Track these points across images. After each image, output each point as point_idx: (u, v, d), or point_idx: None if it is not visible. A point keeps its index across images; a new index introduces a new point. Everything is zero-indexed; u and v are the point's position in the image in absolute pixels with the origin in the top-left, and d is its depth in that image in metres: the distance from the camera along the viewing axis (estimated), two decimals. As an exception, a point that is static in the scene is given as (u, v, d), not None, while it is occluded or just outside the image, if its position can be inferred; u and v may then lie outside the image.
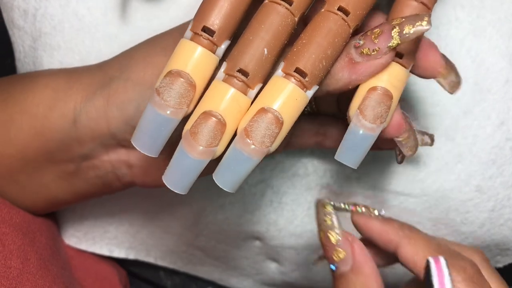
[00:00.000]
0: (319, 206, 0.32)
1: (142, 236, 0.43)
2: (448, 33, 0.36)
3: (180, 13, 0.36)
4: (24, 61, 0.38)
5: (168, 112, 0.26)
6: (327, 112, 0.36)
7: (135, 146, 0.26)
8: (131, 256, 0.44)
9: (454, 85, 0.30)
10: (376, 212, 0.33)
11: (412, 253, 0.29)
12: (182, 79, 0.26)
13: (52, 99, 0.32)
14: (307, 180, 0.40)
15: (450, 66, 0.30)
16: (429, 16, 0.26)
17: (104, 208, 0.42)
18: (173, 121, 0.26)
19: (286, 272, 0.44)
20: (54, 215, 0.43)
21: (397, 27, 0.26)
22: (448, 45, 0.36)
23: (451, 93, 0.31)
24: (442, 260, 0.28)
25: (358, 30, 0.27)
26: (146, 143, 0.26)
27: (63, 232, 0.43)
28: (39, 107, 0.32)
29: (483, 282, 0.28)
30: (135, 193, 0.41)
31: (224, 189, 0.26)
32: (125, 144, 0.31)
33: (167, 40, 0.30)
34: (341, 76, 0.27)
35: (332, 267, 0.30)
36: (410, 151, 0.30)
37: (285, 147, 0.36)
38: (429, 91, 0.37)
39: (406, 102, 0.37)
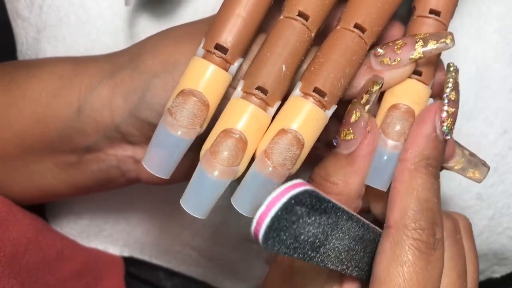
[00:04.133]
0: (369, 82, 0.27)
1: (138, 234, 0.42)
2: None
3: (184, 10, 0.36)
4: (26, 53, 0.37)
5: (180, 132, 0.25)
6: None
7: (146, 167, 0.26)
8: (126, 253, 0.43)
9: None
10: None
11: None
12: (195, 98, 0.25)
13: (56, 86, 0.31)
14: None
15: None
16: (453, 34, 0.26)
17: (101, 207, 0.41)
18: (185, 141, 0.25)
19: (284, 276, 0.43)
20: (42, 207, 0.41)
21: (420, 41, 0.26)
22: (453, 52, 0.36)
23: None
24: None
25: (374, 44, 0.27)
26: (158, 164, 0.26)
27: (58, 230, 0.42)
28: (42, 94, 0.31)
29: (460, 242, 0.29)
30: (133, 191, 0.40)
31: (244, 214, 0.25)
32: (131, 140, 0.30)
33: (179, 31, 0.30)
34: (358, 83, 0.27)
35: (335, 141, 0.27)
36: (478, 175, 0.30)
37: None
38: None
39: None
